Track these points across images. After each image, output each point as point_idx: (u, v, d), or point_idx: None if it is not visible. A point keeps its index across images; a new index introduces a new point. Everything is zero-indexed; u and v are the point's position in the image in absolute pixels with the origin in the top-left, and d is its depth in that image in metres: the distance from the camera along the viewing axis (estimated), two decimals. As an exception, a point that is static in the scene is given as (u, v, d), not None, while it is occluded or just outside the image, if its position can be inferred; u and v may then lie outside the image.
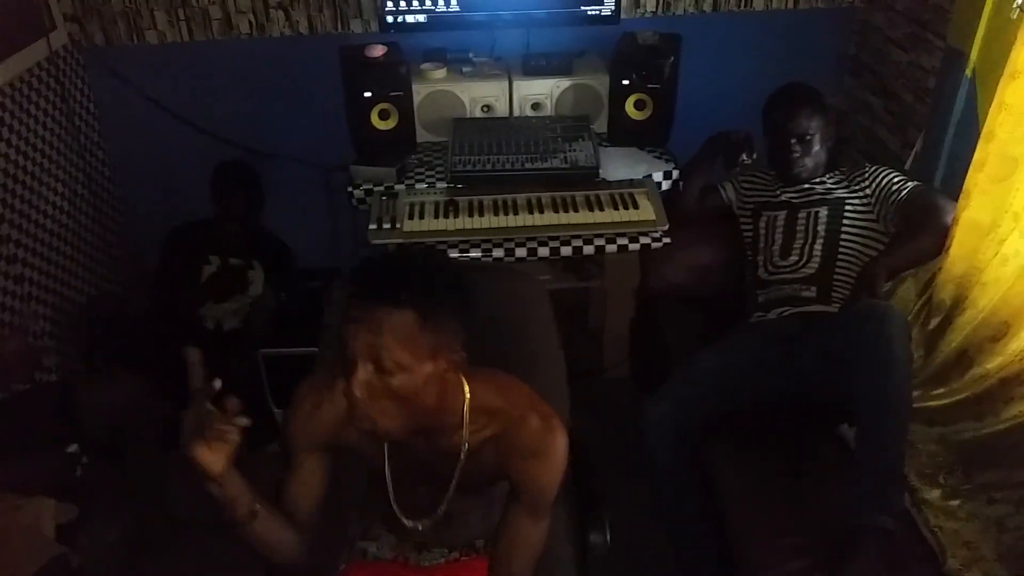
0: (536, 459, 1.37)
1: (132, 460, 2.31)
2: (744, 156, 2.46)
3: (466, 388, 1.38)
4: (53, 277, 2.68)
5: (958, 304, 2.03)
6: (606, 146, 2.75)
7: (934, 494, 1.91)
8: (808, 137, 2.33)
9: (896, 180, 2.29)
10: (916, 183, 2.28)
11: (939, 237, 2.12)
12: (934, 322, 2.08)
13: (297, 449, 1.46)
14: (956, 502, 1.89)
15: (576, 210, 2.50)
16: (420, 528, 1.52)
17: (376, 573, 1.61)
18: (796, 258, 2.32)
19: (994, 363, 1.94)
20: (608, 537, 1.73)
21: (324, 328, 1.89)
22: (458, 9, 2.69)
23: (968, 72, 2.24)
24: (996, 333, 1.94)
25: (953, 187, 2.17)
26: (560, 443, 1.38)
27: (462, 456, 1.40)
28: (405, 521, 1.52)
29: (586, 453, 1.87)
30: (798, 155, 2.34)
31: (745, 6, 2.98)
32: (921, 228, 2.18)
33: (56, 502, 1.82)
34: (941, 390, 2.03)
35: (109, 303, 2.96)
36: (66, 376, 2.65)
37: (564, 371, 1.87)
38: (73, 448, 2.06)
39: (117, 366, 2.72)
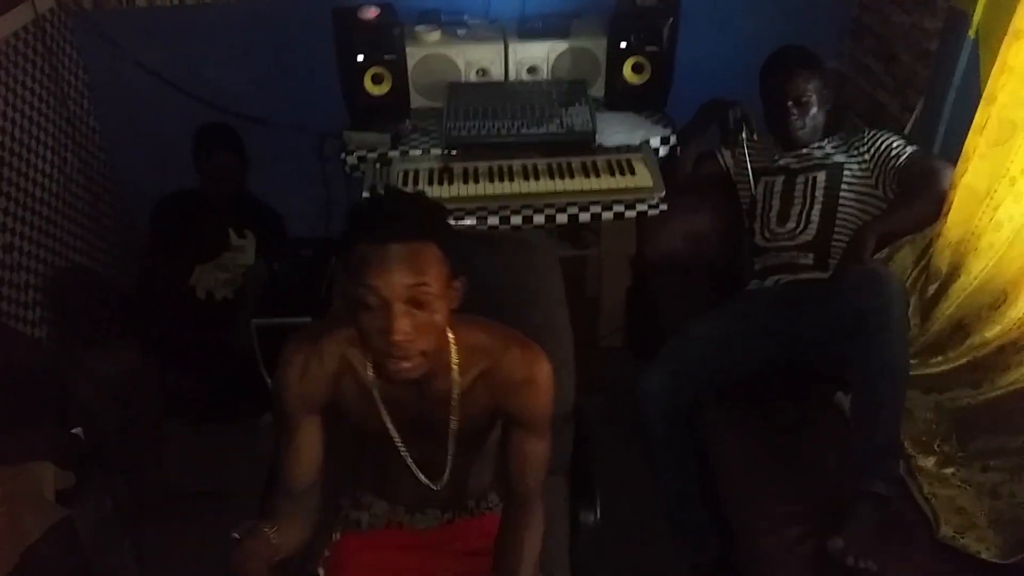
0: (526, 386, 1.41)
1: (129, 429, 2.30)
2: (744, 135, 2.42)
3: (448, 332, 1.39)
4: (43, 246, 2.65)
5: (954, 271, 2.01)
6: (603, 111, 2.71)
7: (929, 461, 1.90)
8: (805, 100, 2.29)
9: (895, 145, 2.25)
10: (915, 148, 2.25)
11: (935, 204, 2.09)
12: (931, 289, 2.06)
13: (292, 413, 1.45)
14: (951, 469, 1.88)
15: (572, 176, 2.47)
16: (436, 488, 1.53)
17: (372, 542, 1.61)
18: (793, 224, 2.30)
19: (992, 331, 1.92)
20: (598, 514, 1.74)
21: (332, 299, 1.85)
22: (452, -31, 2.65)
23: (971, 34, 2.19)
24: (994, 301, 1.92)
25: (953, 151, 2.14)
26: (545, 367, 1.42)
27: (455, 396, 1.42)
28: (423, 479, 1.52)
29: (581, 428, 1.87)
30: (795, 118, 2.30)
31: (745, -34, 2.92)
32: (916, 194, 2.15)
33: (55, 467, 1.81)
34: (938, 358, 2.02)
35: (83, 274, 2.93)
36: (59, 347, 2.64)
37: (571, 346, 1.84)
38: (77, 430, 2.05)
39: (111, 336, 2.71)
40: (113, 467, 2.26)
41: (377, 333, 1.24)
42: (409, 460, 1.50)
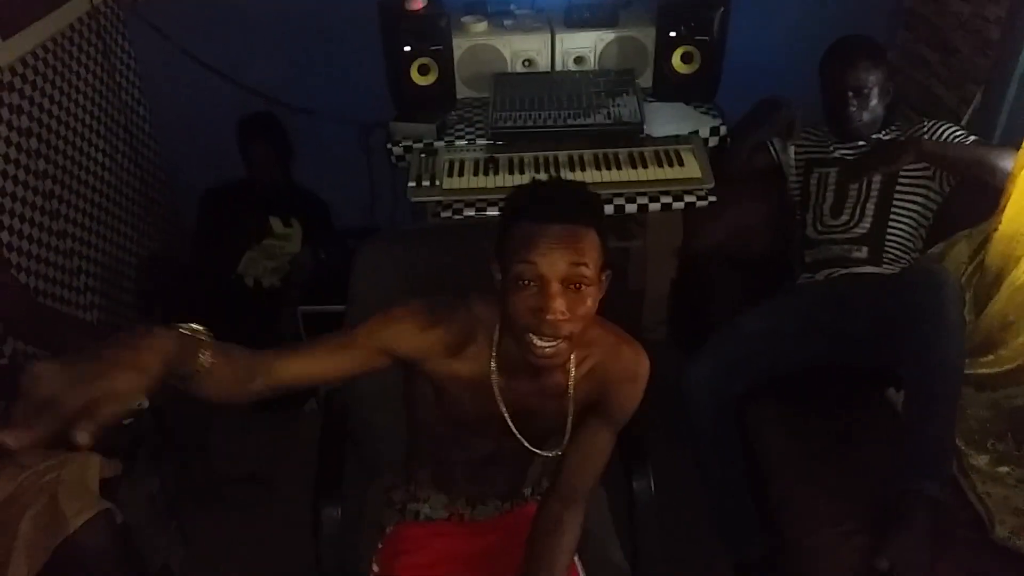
0: (630, 383, 1.44)
1: (175, 414, 2.33)
2: (779, 140, 2.39)
3: None
4: (95, 233, 2.70)
5: (1005, 264, 1.95)
6: (651, 101, 2.68)
7: (982, 460, 1.85)
8: (866, 91, 2.23)
9: (957, 134, 2.20)
10: (976, 138, 2.19)
11: (985, 169, 2.06)
12: (984, 284, 2.01)
13: (369, 336, 1.32)
14: (1005, 468, 1.83)
15: (619, 167, 2.45)
16: (551, 455, 1.51)
17: (429, 532, 1.61)
18: (847, 217, 2.25)
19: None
20: (652, 484, 1.70)
21: (353, 289, 1.84)
22: (499, -42, 2.64)
23: (1037, 22, 2.13)
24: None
25: (1013, 145, 2.07)
26: (647, 366, 1.45)
27: (570, 388, 1.42)
28: (537, 450, 1.49)
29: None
30: (853, 109, 2.25)
31: (798, -46, 2.86)
32: (983, 147, 2.13)
33: (102, 457, 1.84)
34: (990, 357, 1.96)
35: (168, 262, 2.99)
36: (112, 331, 2.68)
37: None
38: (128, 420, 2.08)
39: (162, 322, 2.75)
40: (160, 453, 2.29)
41: (530, 311, 1.24)
42: (517, 432, 1.46)
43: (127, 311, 2.82)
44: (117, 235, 2.84)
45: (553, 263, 1.22)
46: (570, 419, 1.46)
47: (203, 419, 2.53)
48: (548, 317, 1.22)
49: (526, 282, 1.23)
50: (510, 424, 1.44)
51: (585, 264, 1.23)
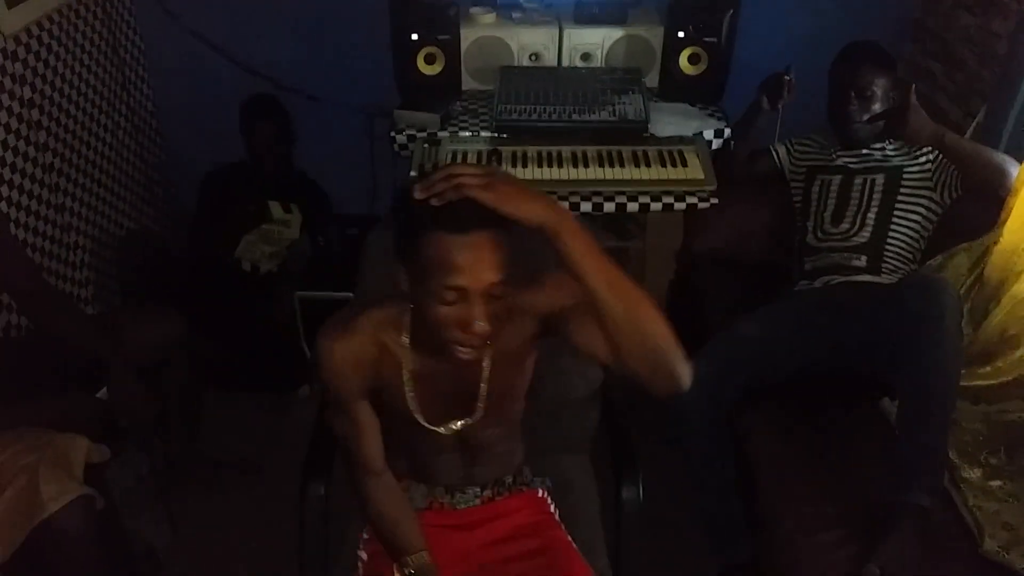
0: (544, 281, 1.39)
1: (166, 397, 2.32)
2: (785, 82, 2.35)
3: None
4: (94, 209, 2.69)
5: (1006, 278, 1.95)
6: (657, 101, 2.68)
7: (975, 473, 1.86)
8: (869, 94, 2.23)
9: (961, 146, 2.20)
10: None
11: (996, 174, 2.07)
12: (983, 297, 2.01)
13: (345, 401, 1.46)
14: (997, 482, 1.84)
15: (623, 165, 2.44)
16: (455, 427, 1.51)
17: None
18: (848, 225, 2.25)
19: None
20: (641, 492, 1.71)
21: (361, 275, 1.85)
22: (511, -49, 2.63)
23: (1044, 37, 2.14)
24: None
25: (1016, 159, 2.08)
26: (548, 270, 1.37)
27: (484, 363, 1.44)
28: (434, 428, 1.50)
29: (618, 410, 1.85)
30: (855, 109, 2.24)
31: (808, -39, 2.86)
32: (988, 153, 2.13)
33: (89, 442, 1.82)
34: (987, 369, 1.97)
35: (149, 238, 2.97)
36: (107, 308, 2.67)
37: None
38: (101, 393, 2.07)
39: (155, 303, 2.74)
40: (149, 435, 2.28)
41: (454, 325, 1.25)
42: (418, 415, 1.48)
43: (136, 289, 2.80)
44: (115, 212, 2.83)
45: (475, 278, 1.20)
46: (483, 386, 1.46)
47: (195, 403, 2.51)
48: (475, 328, 1.23)
49: (450, 299, 1.22)
50: (413, 409, 1.46)
51: (501, 273, 1.22)
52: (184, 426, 2.42)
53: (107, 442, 1.89)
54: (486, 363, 1.44)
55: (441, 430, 1.51)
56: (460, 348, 1.28)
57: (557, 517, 1.68)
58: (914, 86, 2.15)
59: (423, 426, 1.49)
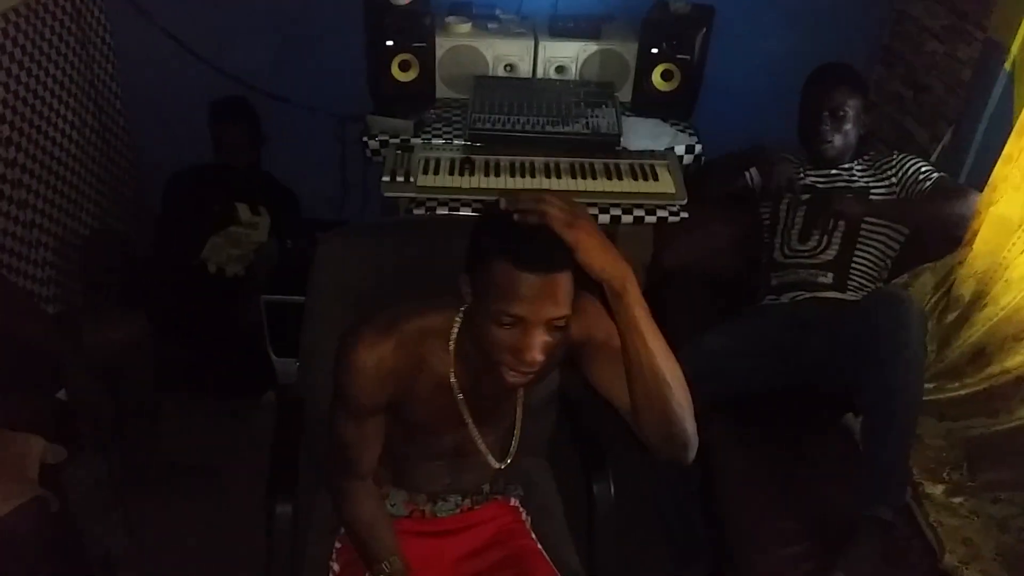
0: (586, 309, 1.37)
1: (126, 399, 2.28)
2: (788, 197, 2.37)
3: None
4: (58, 207, 2.63)
5: (978, 300, 2.00)
6: (629, 115, 2.70)
7: (937, 489, 1.88)
8: (841, 114, 2.27)
9: (924, 170, 2.24)
10: (941, 175, 2.24)
11: (949, 221, 2.13)
12: (951, 316, 2.05)
13: (366, 412, 1.42)
14: (959, 499, 1.86)
15: (595, 177, 2.45)
16: (502, 466, 1.53)
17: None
18: (815, 243, 2.28)
19: (1013, 361, 1.91)
20: (612, 488, 1.70)
21: (315, 279, 1.80)
22: (488, -38, 2.64)
23: (1007, 66, 2.19)
24: (1018, 331, 1.91)
25: (980, 182, 2.14)
26: (588, 296, 1.36)
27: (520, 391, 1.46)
28: (493, 461, 1.51)
29: (582, 409, 1.84)
30: (827, 128, 2.28)
31: (781, -16, 2.90)
32: (932, 202, 2.18)
33: (46, 442, 1.77)
34: (955, 384, 2.01)
35: (115, 238, 2.92)
36: (68, 308, 2.62)
37: None
38: (60, 393, 2.02)
39: (118, 303, 2.69)
40: (106, 438, 2.23)
41: (508, 349, 1.24)
42: (482, 445, 1.49)
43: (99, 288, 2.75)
44: (80, 210, 2.78)
45: (536, 311, 1.20)
46: (519, 421, 1.48)
47: (152, 406, 2.47)
48: (526, 357, 1.22)
49: (507, 323, 1.22)
50: (470, 427, 1.45)
51: (565, 309, 1.22)
52: (143, 429, 2.38)
53: (65, 443, 1.85)
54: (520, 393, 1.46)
55: (491, 460, 1.51)
56: (510, 372, 1.27)
57: (528, 525, 1.68)
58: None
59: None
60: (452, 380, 1.40)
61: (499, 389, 1.38)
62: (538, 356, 1.23)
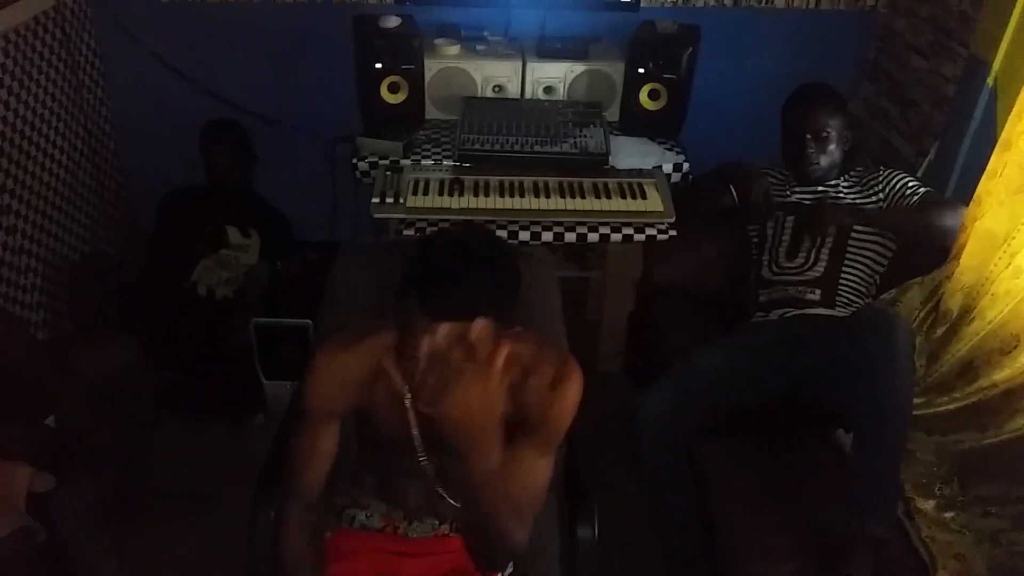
0: (554, 397, 1.39)
1: (115, 427, 2.26)
2: (766, 213, 2.39)
3: None
4: (47, 232, 2.63)
5: (966, 314, 2.01)
6: (617, 134, 2.71)
7: (928, 504, 1.89)
8: (824, 135, 2.28)
9: (911, 184, 2.26)
10: (928, 189, 2.25)
11: (938, 229, 2.14)
12: (939, 331, 2.06)
13: (315, 418, 1.45)
14: (951, 514, 1.87)
15: (583, 196, 2.46)
16: (454, 502, 1.53)
17: (362, 542, 1.59)
18: (802, 260, 2.29)
19: (1001, 375, 1.91)
20: (596, 531, 1.71)
21: (326, 302, 1.84)
22: (476, -16, 2.66)
23: (990, 81, 2.21)
24: (1004, 345, 1.91)
25: (965, 197, 2.15)
26: (577, 376, 1.40)
27: None
28: (441, 491, 1.52)
29: (576, 445, 1.84)
30: (812, 151, 2.29)
31: (766, 2, 2.93)
32: (920, 214, 2.19)
33: (33, 471, 1.76)
34: (944, 398, 2.01)
35: (104, 262, 2.92)
36: (59, 333, 2.61)
37: None
38: (48, 420, 2.01)
39: (109, 328, 2.68)
40: (97, 464, 2.22)
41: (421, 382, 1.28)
42: (430, 471, 1.50)
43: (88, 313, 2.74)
44: (69, 235, 2.78)
45: (442, 353, 1.23)
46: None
47: (146, 431, 2.45)
48: (446, 385, 1.24)
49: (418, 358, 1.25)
50: (417, 446, 1.46)
51: (473, 356, 1.24)
52: (135, 455, 2.37)
53: (54, 471, 1.84)
54: None
55: (440, 489, 1.51)
56: (422, 403, 1.30)
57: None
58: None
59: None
60: (407, 397, 1.41)
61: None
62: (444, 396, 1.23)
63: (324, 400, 1.43)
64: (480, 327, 1.24)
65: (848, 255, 2.26)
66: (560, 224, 2.42)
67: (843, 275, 2.25)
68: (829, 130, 2.28)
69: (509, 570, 1.62)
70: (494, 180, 2.50)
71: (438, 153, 2.60)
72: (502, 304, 1.28)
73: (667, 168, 2.60)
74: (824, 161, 2.30)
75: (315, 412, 1.44)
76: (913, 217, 2.21)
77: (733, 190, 2.42)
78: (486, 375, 1.23)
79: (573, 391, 1.40)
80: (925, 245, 2.20)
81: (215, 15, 2.89)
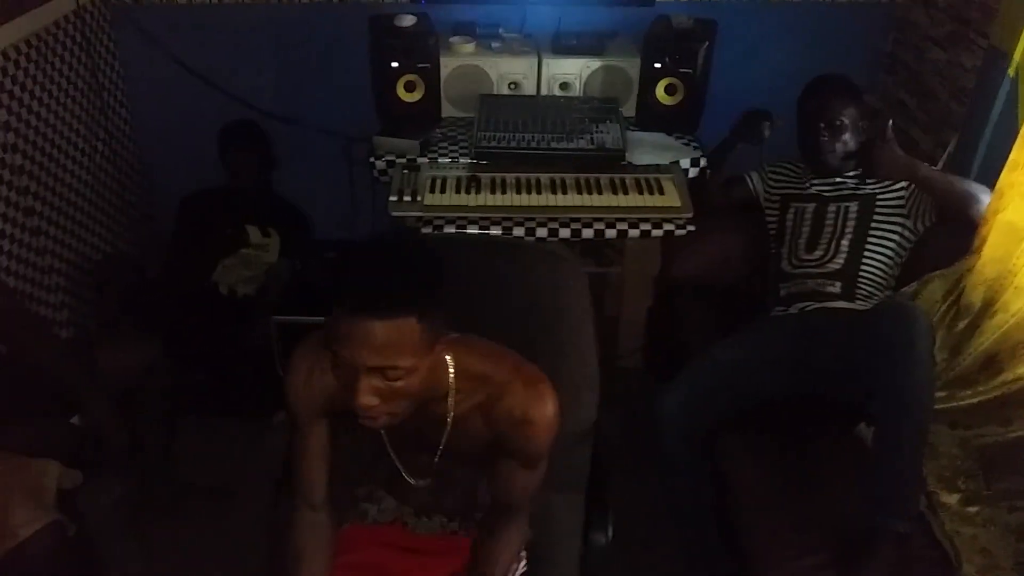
0: (523, 425, 1.36)
1: (141, 422, 2.29)
2: (767, 125, 2.41)
3: (448, 358, 1.35)
4: (70, 232, 2.67)
5: (988, 307, 1.98)
6: (634, 130, 2.71)
7: (952, 498, 1.87)
8: (838, 123, 2.26)
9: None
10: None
11: (969, 201, 2.11)
12: (961, 324, 2.04)
13: (300, 418, 1.46)
14: (974, 508, 1.85)
15: (600, 193, 2.46)
16: (422, 484, 1.53)
17: (372, 536, 1.60)
18: (822, 252, 2.28)
19: (1025, 368, 1.90)
20: (610, 534, 1.71)
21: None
22: (491, -19, 2.66)
23: (1011, 72, 2.19)
24: (1030, 338, 1.90)
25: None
26: (548, 408, 1.36)
27: (448, 423, 1.39)
28: (409, 478, 1.53)
29: (599, 448, 1.83)
30: (826, 140, 2.27)
31: (783, -5, 2.92)
32: (964, 185, 2.17)
33: (62, 466, 1.79)
34: (967, 391, 2.00)
35: (126, 262, 2.95)
36: (82, 333, 2.64)
37: (596, 363, 1.75)
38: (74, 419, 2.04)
39: (131, 327, 2.71)
40: (122, 460, 2.25)
41: (346, 388, 1.21)
42: (397, 462, 1.51)
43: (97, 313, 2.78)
44: (92, 235, 2.81)
45: (353, 355, 1.16)
46: (441, 447, 1.43)
47: (168, 428, 2.48)
48: (356, 401, 1.20)
49: (336, 363, 1.20)
50: (385, 442, 1.47)
51: (395, 364, 1.17)
52: (158, 451, 2.39)
53: (80, 467, 1.87)
54: (448, 425, 1.40)
55: (411, 481, 1.52)
56: (357, 416, 1.25)
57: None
58: (890, 122, 2.19)
59: (381, 452, 1.50)
60: None
61: (415, 418, 1.34)
62: (367, 401, 1.19)
63: (302, 400, 1.42)
64: (407, 325, 1.16)
65: (868, 246, 2.25)
66: (578, 220, 2.42)
67: (863, 266, 2.23)
68: (843, 119, 2.27)
69: (522, 570, 1.63)
70: (511, 177, 2.51)
71: (455, 151, 2.60)
72: (427, 298, 1.20)
73: (684, 163, 2.60)
74: (839, 150, 2.28)
75: (297, 412, 1.45)
76: (958, 185, 2.17)
77: (753, 177, 2.49)
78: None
79: (543, 423, 1.36)
80: (960, 218, 2.16)
81: (232, 17, 2.91)
